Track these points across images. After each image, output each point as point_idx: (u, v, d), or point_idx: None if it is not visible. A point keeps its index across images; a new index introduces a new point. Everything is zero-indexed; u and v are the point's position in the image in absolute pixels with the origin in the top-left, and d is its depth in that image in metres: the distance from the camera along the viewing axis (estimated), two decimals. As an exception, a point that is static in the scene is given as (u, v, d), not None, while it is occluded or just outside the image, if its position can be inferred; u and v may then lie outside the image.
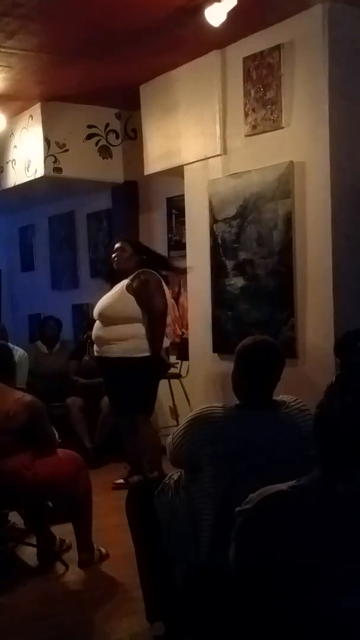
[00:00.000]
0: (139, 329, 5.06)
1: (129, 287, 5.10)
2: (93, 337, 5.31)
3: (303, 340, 4.82)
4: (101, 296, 5.36)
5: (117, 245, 5.30)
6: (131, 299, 5.06)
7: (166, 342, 5.24)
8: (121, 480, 5.32)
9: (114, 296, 5.17)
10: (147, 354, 5.05)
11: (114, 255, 5.28)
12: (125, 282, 5.14)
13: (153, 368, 5.13)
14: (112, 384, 5.29)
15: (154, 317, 5.06)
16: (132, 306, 5.06)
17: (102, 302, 5.24)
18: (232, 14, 4.43)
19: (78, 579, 3.90)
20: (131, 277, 5.13)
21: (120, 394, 5.16)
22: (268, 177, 4.96)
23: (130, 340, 5.05)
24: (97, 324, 5.26)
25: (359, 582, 1.67)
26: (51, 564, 4.02)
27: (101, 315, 5.19)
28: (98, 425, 6.42)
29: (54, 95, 6.34)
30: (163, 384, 5.67)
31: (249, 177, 5.14)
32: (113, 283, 5.31)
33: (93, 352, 6.58)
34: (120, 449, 5.62)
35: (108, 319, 5.13)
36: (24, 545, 4.22)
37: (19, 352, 5.44)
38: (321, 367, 4.49)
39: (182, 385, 6.05)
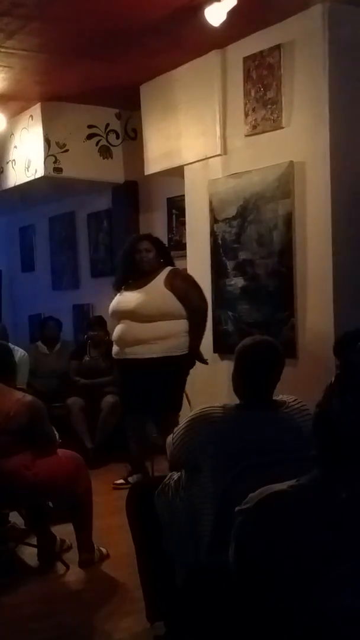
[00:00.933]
0: (178, 325, 5.03)
1: (166, 284, 5.05)
2: (119, 337, 5.15)
3: (303, 341, 4.82)
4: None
5: (139, 245, 5.19)
6: (171, 296, 5.02)
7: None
8: (121, 481, 5.32)
9: (150, 293, 5.05)
10: (183, 352, 5.04)
11: (139, 255, 5.16)
12: (159, 278, 5.08)
13: (191, 365, 5.13)
14: (146, 385, 5.05)
15: (201, 311, 5.09)
16: (172, 302, 5.01)
17: (135, 300, 5.07)
18: (232, 14, 4.43)
19: (78, 579, 3.91)
20: (164, 274, 5.09)
21: (158, 395, 5.01)
22: (268, 177, 4.96)
23: (171, 338, 5.01)
24: (125, 323, 5.11)
25: (359, 581, 1.67)
26: (51, 564, 4.03)
27: (135, 313, 5.05)
28: (98, 425, 6.42)
29: (54, 96, 6.34)
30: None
31: (249, 177, 5.14)
32: (128, 280, 5.23)
33: (99, 354, 6.59)
34: (122, 448, 5.63)
35: (147, 317, 5.00)
36: (24, 546, 4.22)
37: (19, 352, 5.44)
38: (321, 367, 4.49)
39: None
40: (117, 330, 5.19)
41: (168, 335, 5.01)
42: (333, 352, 3.89)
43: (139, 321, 5.03)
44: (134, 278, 5.19)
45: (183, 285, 5.09)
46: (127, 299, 5.14)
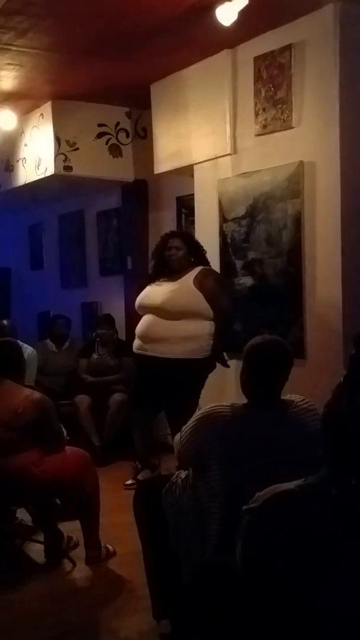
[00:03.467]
0: (202, 327, 4.97)
1: (195, 282, 5.00)
2: (143, 332, 5.09)
3: (312, 340, 4.81)
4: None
5: (170, 242, 5.16)
6: (199, 295, 4.97)
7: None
8: (131, 481, 5.27)
9: (179, 289, 5.00)
10: (206, 355, 4.99)
11: (169, 252, 5.13)
12: (189, 276, 5.03)
13: (210, 369, 5.08)
14: (165, 385, 5.01)
15: (228, 314, 5.05)
16: (199, 302, 4.95)
17: (162, 295, 5.02)
18: (243, 14, 4.43)
19: (85, 576, 3.92)
20: (194, 272, 5.04)
21: (175, 395, 4.95)
22: (278, 176, 4.96)
23: (193, 340, 4.95)
24: (151, 318, 5.06)
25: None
26: (58, 561, 4.04)
27: (161, 309, 4.99)
28: (106, 423, 6.43)
29: (65, 94, 6.35)
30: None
31: (258, 176, 5.13)
32: (158, 276, 5.20)
33: (107, 352, 6.57)
34: (130, 446, 5.64)
35: (172, 314, 4.95)
36: (31, 542, 4.23)
37: (28, 349, 5.46)
38: (329, 367, 4.49)
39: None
40: (141, 324, 5.14)
41: (191, 337, 4.95)
42: (353, 342, 3.80)
43: (164, 317, 4.98)
44: (166, 274, 5.16)
45: (214, 285, 5.04)
46: (155, 293, 5.09)
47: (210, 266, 5.23)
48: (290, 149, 4.90)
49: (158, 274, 5.20)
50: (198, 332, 4.97)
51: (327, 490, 1.74)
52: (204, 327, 4.99)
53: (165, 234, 5.34)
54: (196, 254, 5.18)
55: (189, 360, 4.93)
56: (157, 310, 5.02)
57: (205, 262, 5.21)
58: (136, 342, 5.19)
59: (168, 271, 5.15)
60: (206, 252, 5.27)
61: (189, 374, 4.95)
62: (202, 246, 5.27)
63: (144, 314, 5.15)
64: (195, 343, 4.96)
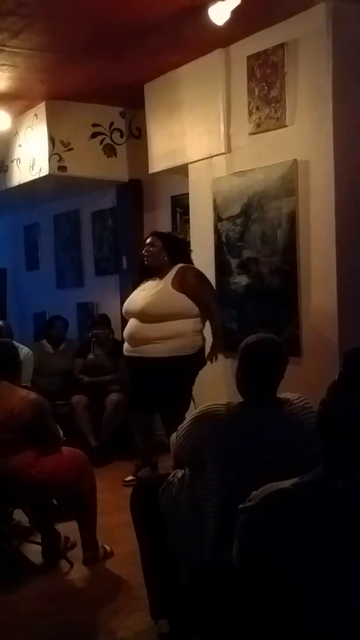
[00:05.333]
0: (186, 325, 5.04)
1: (174, 283, 5.06)
2: (129, 335, 5.19)
3: (307, 338, 4.82)
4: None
5: (147, 241, 5.27)
6: (180, 295, 5.03)
7: (201, 340, 5.19)
8: (131, 478, 5.31)
9: (157, 293, 5.07)
10: (192, 351, 5.06)
11: (144, 250, 5.24)
12: (167, 278, 5.10)
13: (199, 365, 5.15)
14: (153, 384, 5.11)
15: (217, 305, 5.14)
16: (182, 302, 5.02)
17: (143, 300, 5.12)
18: (236, 13, 4.43)
19: (82, 576, 3.92)
20: (172, 273, 5.10)
21: (164, 394, 5.05)
22: (272, 175, 4.96)
23: (176, 338, 5.02)
24: (135, 322, 5.15)
25: (361, 579, 1.68)
26: (56, 561, 4.04)
27: (142, 314, 5.08)
28: (103, 423, 6.43)
29: (59, 94, 6.35)
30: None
31: (253, 175, 5.14)
32: (142, 279, 5.28)
33: (104, 352, 6.61)
34: (127, 446, 5.65)
35: (152, 317, 5.03)
36: (28, 543, 4.23)
37: (24, 350, 5.46)
38: (325, 365, 4.49)
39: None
40: (127, 328, 5.25)
41: (175, 335, 5.02)
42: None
43: (146, 321, 5.07)
44: (150, 276, 5.22)
45: (194, 282, 5.11)
46: (137, 298, 5.18)
47: (191, 262, 5.29)
48: (284, 148, 4.90)
49: (142, 277, 5.29)
50: (181, 330, 5.04)
51: (323, 488, 1.74)
52: (187, 325, 5.06)
53: (145, 237, 5.44)
54: (174, 250, 5.23)
55: (174, 358, 5.00)
56: (139, 315, 5.12)
57: (186, 259, 5.27)
58: (125, 345, 5.30)
59: (150, 272, 5.23)
60: (191, 250, 5.39)
61: (175, 372, 5.02)
62: (182, 243, 5.40)
63: (129, 319, 5.26)
64: (179, 341, 5.03)
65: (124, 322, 5.42)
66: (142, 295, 5.15)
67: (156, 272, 5.19)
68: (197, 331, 5.14)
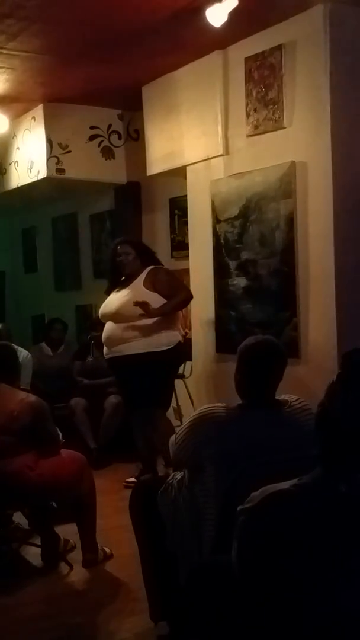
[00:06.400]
0: (158, 322, 5.12)
1: (146, 283, 5.19)
2: (106, 337, 5.32)
3: (306, 340, 4.82)
4: (103, 297, 5.40)
5: (120, 249, 5.36)
6: (152, 294, 5.13)
7: (178, 336, 5.27)
8: (132, 479, 5.32)
9: (130, 293, 5.18)
10: (168, 347, 5.15)
11: (119, 258, 5.34)
12: (139, 279, 5.23)
13: (176, 361, 5.29)
14: (131, 381, 5.26)
15: (187, 297, 5.28)
16: (154, 299, 5.10)
17: (117, 301, 5.25)
18: (234, 15, 4.43)
19: (82, 579, 3.92)
20: (144, 275, 5.24)
21: (141, 389, 5.16)
22: (270, 177, 4.97)
23: (150, 335, 5.12)
24: (110, 324, 5.28)
25: (360, 580, 1.68)
26: (55, 564, 4.04)
27: (117, 314, 5.21)
28: (102, 425, 6.43)
29: (57, 97, 6.35)
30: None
31: (251, 177, 5.14)
32: (116, 284, 5.39)
33: (103, 354, 6.63)
34: (126, 448, 5.64)
35: (126, 317, 5.14)
36: (28, 546, 4.22)
37: (22, 353, 5.46)
38: (323, 366, 4.50)
39: (186, 386, 6.04)
40: (104, 332, 5.39)
41: (148, 332, 5.12)
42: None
43: (121, 322, 5.19)
44: (122, 281, 5.36)
45: (166, 280, 5.26)
46: (111, 301, 5.34)
47: (159, 264, 5.43)
48: (282, 149, 4.91)
49: (115, 283, 5.42)
50: (154, 327, 5.13)
51: (322, 489, 1.74)
52: (160, 322, 5.14)
53: (114, 243, 5.56)
54: (144, 255, 5.39)
55: (149, 354, 5.10)
56: (114, 317, 5.25)
57: (155, 262, 5.42)
58: (104, 349, 5.41)
59: (123, 278, 5.36)
60: (155, 252, 5.56)
61: (152, 368, 5.10)
62: (149, 247, 5.56)
63: (105, 322, 5.37)
64: (153, 338, 5.14)
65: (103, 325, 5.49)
66: (117, 297, 5.29)
67: (129, 277, 5.32)
68: (171, 328, 5.22)
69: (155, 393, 5.17)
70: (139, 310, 5.05)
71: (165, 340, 5.17)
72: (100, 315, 5.48)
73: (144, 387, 5.13)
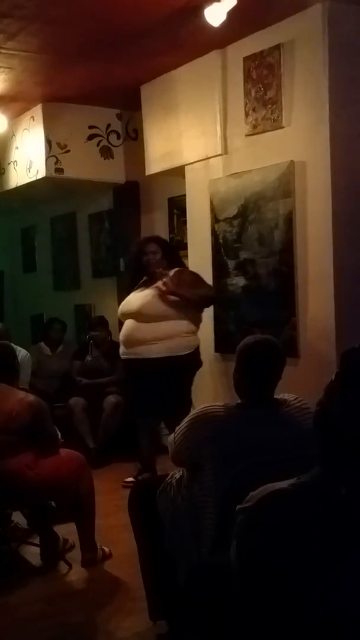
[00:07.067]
0: (180, 326, 5.08)
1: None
2: (125, 337, 5.22)
3: (304, 339, 4.82)
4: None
5: (147, 247, 5.29)
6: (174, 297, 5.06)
7: (197, 340, 5.22)
8: (131, 479, 5.30)
9: (153, 295, 5.11)
10: (187, 352, 5.09)
11: (146, 257, 5.26)
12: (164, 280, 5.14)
13: (196, 365, 5.19)
14: (149, 384, 5.12)
15: (211, 294, 5.21)
16: (175, 303, 5.06)
17: (140, 301, 5.17)
18: (232, 14, 4.44)
19: (81, 578, 3.92)
20: (170, 275, 5.13)
21: (165, 394, 5.03)
22: (269, 176, 4.97)
23: (173, 338, 5.06)
24: (131, 323, 5.19)
25: (359, 580, 1.68)
26: (54, 563, 4.04)
27: (139, 314, 5.13)
28: (101, 425, 6.43)
29: (55, 96, 6.35)
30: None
31: (249, 176, 5.14)
32: (138, 283, 5.32)
33: (101, 354, 6.62)
34: (125, 448, 5.63)
35: (148, 317, 5.08)
36: (27, 545, 4.22)
37: (21, 352, 5.45)
38: (322, 365, 4.50)
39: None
40: (123, 330, 5.29)
41: (169, 336, 5.06)
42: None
43: (142, 321, 5.11)
44: (146, 280, 5.29)
45: (192, 277, 5.19)
46: (133, 300, 5.24)
47: (185, 266, 5.37)
48: (280, 149, 4.91)
49: (137, 282, 5.35)
50: (175, 331, 5.08)
51: (321, 489, 1.74)
52: (181, 326, 5.11)
53: (140, 241, 5.50)
54: (171, 255, 5.32)
55: (169, 358, 5.03)
56: (135, 316, 5.17)
57: (180, 263, 5.35)
58: (121, 348, 5.33)
59: (147, 277, 5.28)
60: (177, 253, 5.47)
61: (171, 372, 5.04)
62: (176, 248, 5.48)
63: (125, 320, 5.28)
64: (173, 341, 5.07)
65: (122, 324, 5.42)
66: (140, 295, 5.19)
67: (153, 277, 5.23)
68: (192, 332, 5.17)
69: (178, 398, 5.01)
70: (160, 311, 5.01)
71: (185, 344, 5.11)
72: (120, 313, 5.39)
73: (165, 393, 5.02)
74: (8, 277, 9.50)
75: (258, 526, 1.77)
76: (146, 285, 5.26)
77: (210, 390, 5.43)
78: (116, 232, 7.33)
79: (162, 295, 5.08)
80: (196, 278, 5.24)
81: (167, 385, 5.03)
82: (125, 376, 5.63)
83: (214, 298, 5.26)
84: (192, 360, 5.16)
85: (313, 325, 4.78)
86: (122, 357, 5.34)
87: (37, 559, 4.10)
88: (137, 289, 5.31)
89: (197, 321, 5.24)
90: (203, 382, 5.44)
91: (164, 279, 5.01)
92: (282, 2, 4.63)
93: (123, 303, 5.37)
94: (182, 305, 5.09)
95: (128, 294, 5.37)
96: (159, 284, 5.06)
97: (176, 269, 5.21)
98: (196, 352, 5.19)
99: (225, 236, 5.38)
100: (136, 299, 5.21)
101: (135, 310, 5.15)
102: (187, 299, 5.07)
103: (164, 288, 5.00)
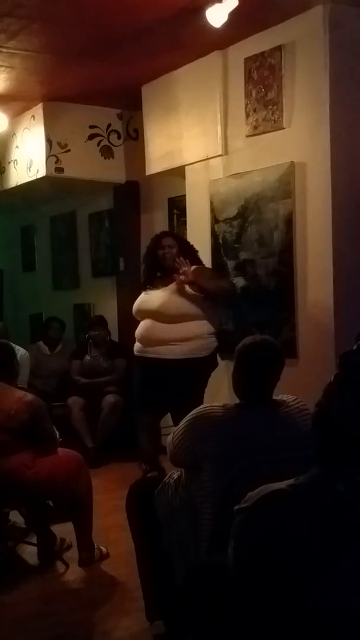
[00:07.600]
0: (200, 327, 5.03)
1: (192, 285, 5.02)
2: (143, 336, 5.12)
3: (303, 340, 4.82)
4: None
5: (164, 241, 5.22)
6: (197, 295, 4.99)
7: (215, 342, 5.14)
8: None
9: (174, 293, 5.04)
10: (206, 353, 5.05)
11: (162, 251, 5.17)
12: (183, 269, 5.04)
13: (213, 367, 5.14)
14: (167, 384, 5.02)
15: (230, 286, 5.19)
16: (199, 301, 5.00)
17: (159, 300, 5.07)
18: (233, 15, 4.44)
19: (78, 578, 3.91)
20: (188, 264, 5.03)
21: (180, 394, 4.89)
22: (269, 177, 4.97)
23: (193, 340, 5.00)
24: (149, 323, 5.10)
25: (357, 580, 1.68)
26: (51, 563, 4.04)
27: (158, 314, 5.04)
28: (99, 425, 6.43)
29: (56, 96, 6.35)
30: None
31: (250, 177, 5.14)
32: (152, 279, 5.25)
33: (100, 353, 6.57)
34: (123, 447, 5.62)
35: (169, 317, 5.01)
36: (24, 544, 4.23)
37: (20, 351, 5.45)
38: (321, 366, 4.49)
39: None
40: (140, 328, 5.18)
41: (190, 337, 5.00)
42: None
43: (161, 321, 5.04)
44: (161, 276, 5.21)
45: (211, 272, 5.17)
46: (151, 298, 5.13)
47: (202, 264, 5.27)
48: (281, 150, 4.91)
49: (152, 278, 5.25)
50: (196, 332, 5.02)
51: (319, 489, 1.74)
52: (202, 327, 5.04)
53: (157, 235, 5.40)
54: (188, 253, 5.19)
55: (189, 359, 4.98)
56: (154, 315, 5.07)
57: (198, 261, 5.23)
58: (137, 346, 5.23)
59: (162, 273, 5.19)
60: (197, 251, 5.31)
61: (190, 374, 4.98)
62: (192, 245, 5.32)
63: (142, 319, 5.19)
64: (194, 343, 5.01)
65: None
66: (157, 294, 5.10)
67: (169, 272, 5.12)
68: (211, 332, 5.10)
69: (192, 399, 4.76)
70: (182, 310, 4.97)
71: (205, 345, 5.05)
72: (136, 310, 5.25)
73: (180, 394, 4.87)
74: (7, 276, 9.50)
75: (256, 527, 1.77)
76: (162, 281, 5.16)
77: (209, 391, 5.42)
78: (116, 231, 7.33)
79: (180, 286, 4.99)
80: (215, 272, 5.22)
81: (183, 385, 4.94)
82: (131, 373, 5.54)
83: (234, 291, 5.20)
84: (210, 362, 5.11)
85: (312, 326, 4.78)
86: (138, 354, 5.21)
87: (35, 558, 4.10)
88: (151, 286, 5.20)
89: (215, 322, 5.16)
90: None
91: (184, 268, 4.91)
92: (283, 3, 4.63)
93: (139, 301, 5.23)
94: (201, 304, 5.00)
95: (144, 289, 5.24)
96: (179, 276, 4.94)
97: (195, 267, 5.07)
98: (214, 354, 5.14)
99: (225, 237, 5.39)
100: (156, 298, 5.09)
101: (155, 309, 5.06)
102: (206, 289, 4.98)
103: (183, 277, 4.93)
